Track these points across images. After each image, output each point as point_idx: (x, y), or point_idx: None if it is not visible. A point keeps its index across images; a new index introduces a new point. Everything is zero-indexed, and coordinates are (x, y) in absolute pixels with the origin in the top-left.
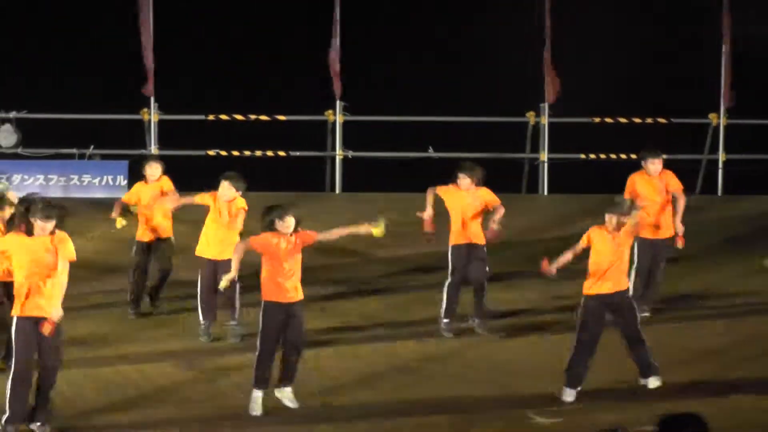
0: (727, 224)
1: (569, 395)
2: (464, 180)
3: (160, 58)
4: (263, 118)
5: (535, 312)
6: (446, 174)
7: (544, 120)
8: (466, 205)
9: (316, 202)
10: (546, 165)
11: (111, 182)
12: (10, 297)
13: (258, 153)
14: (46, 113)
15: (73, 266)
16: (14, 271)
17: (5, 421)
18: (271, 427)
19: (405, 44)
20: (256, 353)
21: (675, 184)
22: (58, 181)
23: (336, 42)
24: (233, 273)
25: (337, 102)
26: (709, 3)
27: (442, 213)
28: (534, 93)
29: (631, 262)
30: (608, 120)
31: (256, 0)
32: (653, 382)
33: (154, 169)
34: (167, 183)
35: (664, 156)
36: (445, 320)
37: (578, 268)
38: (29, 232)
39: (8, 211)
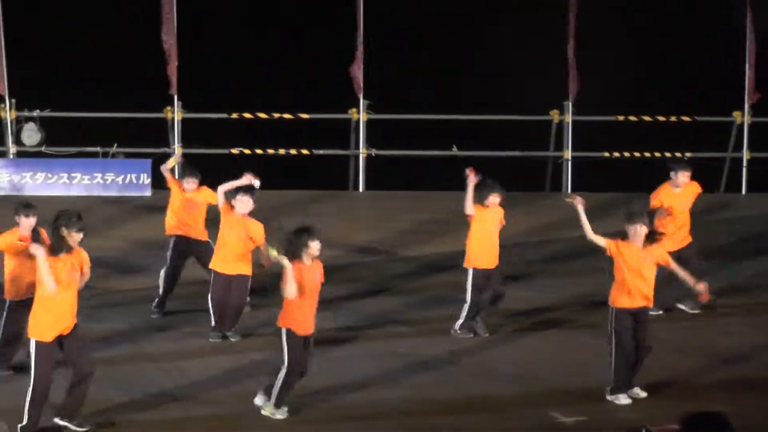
0: (751, 222)
1: (624, 399)
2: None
3: (183, 57)
4: (287, 116)
5: (556, 309)
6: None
7: (568, 118)
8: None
9: (340, 200)
10: (570, 163)
11: (134, 180)
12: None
13: (281, 151)
14: (70, 112)
15: (94, 265)
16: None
17: (21, 428)
18: (292, 427)
19: (429, 43)
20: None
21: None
22: (82, 179)
23: (359, 40)
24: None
25: (361, 100)
26: (734, 1)
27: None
28: (558, 91)
29: None
30: (632, 118)
31: None
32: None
33: (190, 184)
34: (210, 194)
35: (689, 154)
36: (459, 330)
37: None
38: (57, 250)
39: (33, 219)
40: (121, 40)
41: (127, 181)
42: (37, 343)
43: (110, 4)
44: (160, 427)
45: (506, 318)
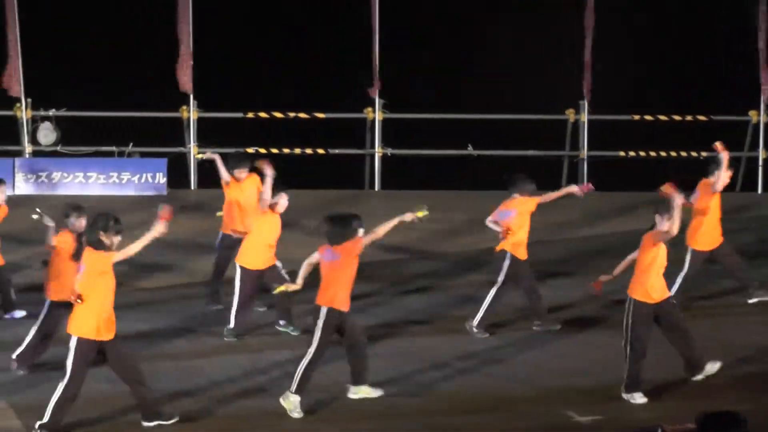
0: (767, 222)
1: (640, 398)
2: None
3: (199, 56)
4: (302, 115)
5: (572, 308)
6: (484, 171)
7: (584, 117)
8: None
9: (356, 199)
10: (585, 162)
11: (150, 180)
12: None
13: (297, 151)
14: (86, 111)
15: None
16: (95, 293)
17: (40, 426)
18: (310, 426)
19: (445, 42)
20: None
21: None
22: (98, 178)
23: (375, 39)
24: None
25: (376, 99)
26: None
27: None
28: (574, 90)
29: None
30: (648, 117)
31: None
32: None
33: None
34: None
35: (704, 154)
36: (476, 328)
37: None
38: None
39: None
40: (137, 40)
41: (142, 180)
42: (79, 340)
43: (125, 5)
44: (177, 425)
45: (523, 316)
